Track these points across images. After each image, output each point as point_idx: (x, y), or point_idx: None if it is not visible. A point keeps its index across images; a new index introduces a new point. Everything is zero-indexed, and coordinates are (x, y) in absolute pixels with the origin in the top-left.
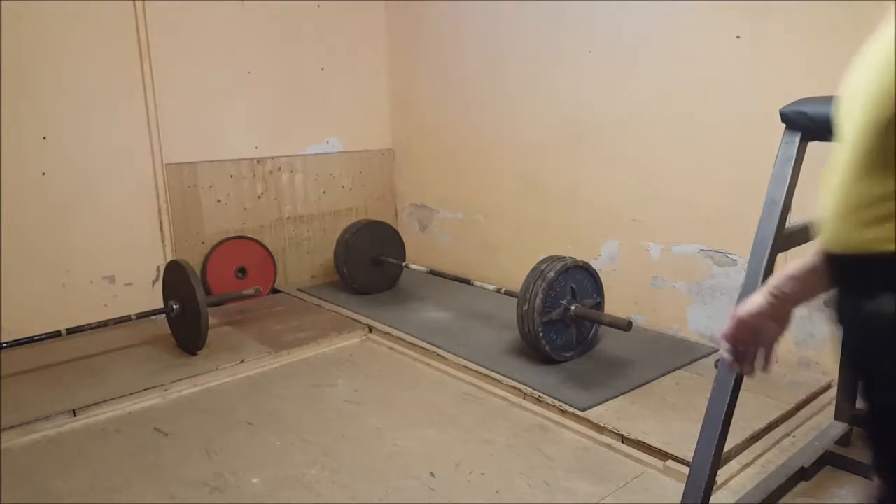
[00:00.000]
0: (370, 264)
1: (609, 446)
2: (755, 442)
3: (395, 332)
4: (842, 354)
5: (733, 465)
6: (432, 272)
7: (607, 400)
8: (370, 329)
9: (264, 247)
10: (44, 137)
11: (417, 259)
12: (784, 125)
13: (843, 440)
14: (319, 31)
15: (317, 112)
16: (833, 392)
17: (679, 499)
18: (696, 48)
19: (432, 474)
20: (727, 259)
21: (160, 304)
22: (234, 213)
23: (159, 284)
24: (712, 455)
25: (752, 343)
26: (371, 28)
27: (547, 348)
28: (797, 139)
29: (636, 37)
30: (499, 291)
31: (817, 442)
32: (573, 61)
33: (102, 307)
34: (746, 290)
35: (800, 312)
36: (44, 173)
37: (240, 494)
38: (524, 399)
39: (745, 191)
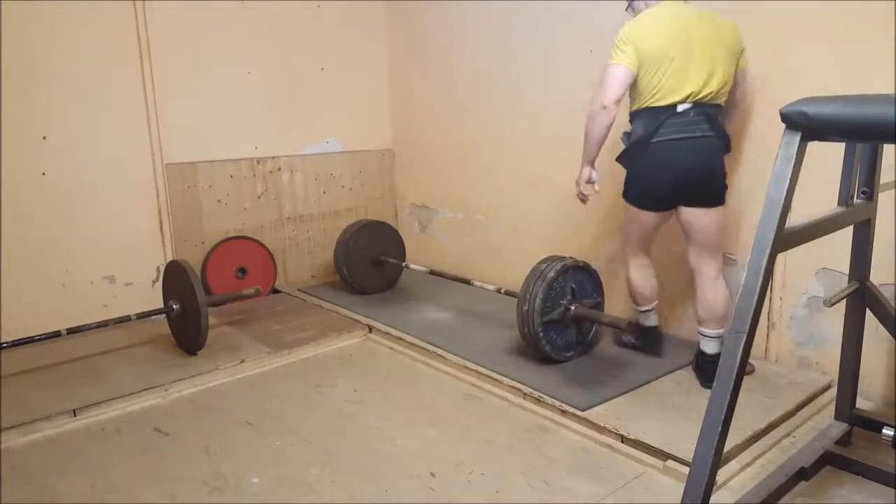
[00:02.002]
0: (370, 264)
1: (609, 446)
2: (755, 442)
3: (395, 332)
4: None
5: (733, 465)
6: (432, 272)
7: (607, 400)
8: (370, 329)
9: (264, 247)
10: (44, 137)
11: (417, 259)
12: (784, 125)
13: (844, 440)
14: (319, 32)
15: (317, 112)
16: (833, 392)
17: (679, 499)
18: None
19: (432, 474)
20: (727, 259)
21: (160, 305)
22: (234, 213)
23: (159, 284)
24: (712, 455)
25: None
26: (371, 28)
27: (547, 348)
28: (797, 139)
29: None
30: (499, 291)
31: (817, 442)
32: (574, 61)
33: (102, 307)
34: (747, 290)
35: (800, 313)
36: (44, 173)
37: (240, 494)
38: (524, 399)
39: (745, 191)
